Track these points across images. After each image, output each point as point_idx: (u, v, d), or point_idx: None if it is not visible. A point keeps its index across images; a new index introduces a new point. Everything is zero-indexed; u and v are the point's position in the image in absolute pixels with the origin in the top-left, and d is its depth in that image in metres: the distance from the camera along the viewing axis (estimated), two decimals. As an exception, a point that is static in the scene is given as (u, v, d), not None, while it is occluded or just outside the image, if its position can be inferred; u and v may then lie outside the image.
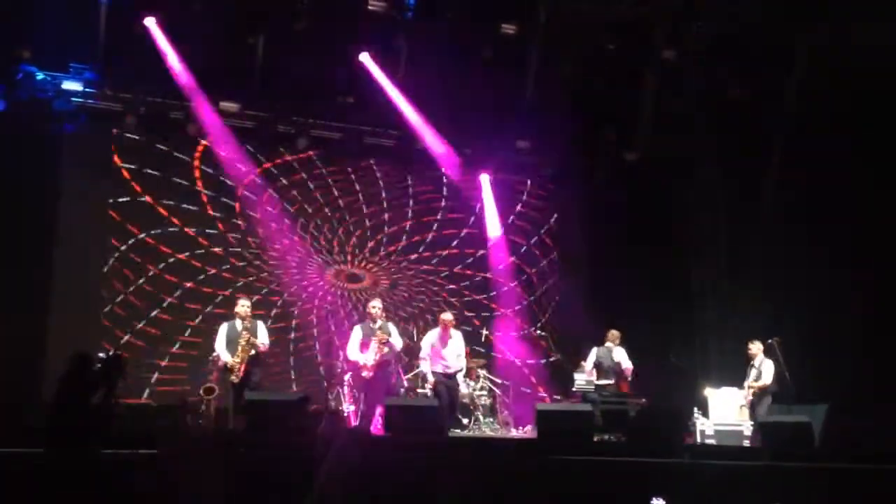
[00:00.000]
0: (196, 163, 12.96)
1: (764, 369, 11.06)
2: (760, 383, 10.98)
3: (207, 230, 12.92)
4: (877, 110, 11.58)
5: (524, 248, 14.78)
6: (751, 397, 11.03)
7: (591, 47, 12.96)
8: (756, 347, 11.18)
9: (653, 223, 13.86)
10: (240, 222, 13.11)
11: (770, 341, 10.54)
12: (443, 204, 14.46)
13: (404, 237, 14.14)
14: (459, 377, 10.95)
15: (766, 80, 12.58)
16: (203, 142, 12.78)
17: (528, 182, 14.91)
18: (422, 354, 10.55)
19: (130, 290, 12.28)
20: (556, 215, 15.03)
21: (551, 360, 14.01)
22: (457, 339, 10.64)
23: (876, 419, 10.13)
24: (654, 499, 6.78)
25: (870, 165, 11.72)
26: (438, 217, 14.39)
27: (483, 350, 13.44)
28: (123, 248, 12.37)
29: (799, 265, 12.06)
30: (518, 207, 14.86)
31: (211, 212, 12.99)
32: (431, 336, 10.61)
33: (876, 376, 11.00)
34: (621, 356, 11.60)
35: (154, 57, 11.80)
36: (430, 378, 10.40)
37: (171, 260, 12.63)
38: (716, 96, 13.12)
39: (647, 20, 12.72)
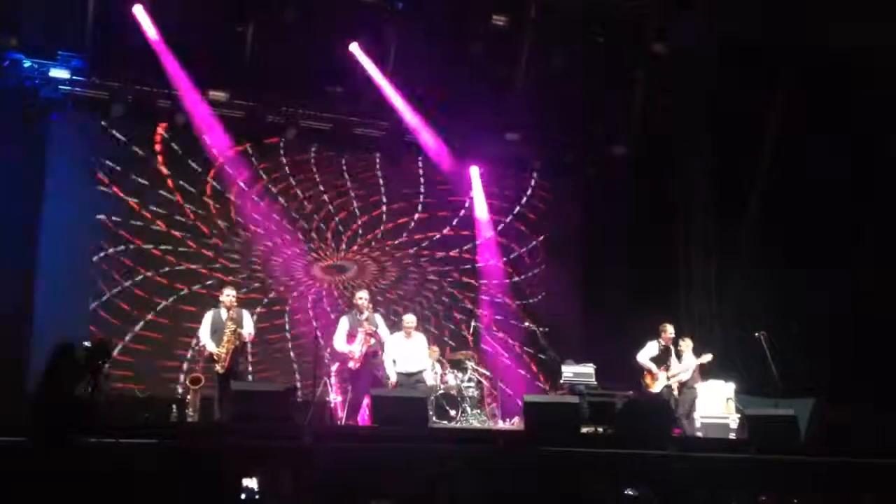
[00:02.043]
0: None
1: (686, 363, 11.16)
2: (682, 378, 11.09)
3: (199, 221, 12.93)
4: (867, 106, 11.59)
5: (513, 240, 14.80)
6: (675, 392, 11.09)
7: (582, 41, 12.95)
8: (685, 345, 11.29)
9: (642, 217, 13.87)
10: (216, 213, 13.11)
11: (757, 335, 10.55)
12: (426, 198, 14.47)
13: (399, 228, 14.16)
14: (428, 375, 11.25)
15: (757, 76, 12.59)
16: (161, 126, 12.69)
17: (517, 174, 14.91)
18: (384, 356, 10.59)
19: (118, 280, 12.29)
20: (545, 208, 15.03)
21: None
22: (417, 340, 10.89)
23: (862, 413, 10.21)
24: (627, 490, 6.80)
25: (860, 161, 11.74)
26: (423, 207, 14.42)
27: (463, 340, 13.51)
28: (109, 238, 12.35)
29: (787, 260, 12.08)
30: (507, 200, 14.86)
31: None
32: (395, 337, 10.72)
33: (863, 371, 11.02)
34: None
35: (142, 45, 11.74)
36: (393, 378, 10.48)
37: (161, 252, 12.64)
38: (706, 91, 13.13)
39: (637, 14, 12.72)
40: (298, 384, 11.95)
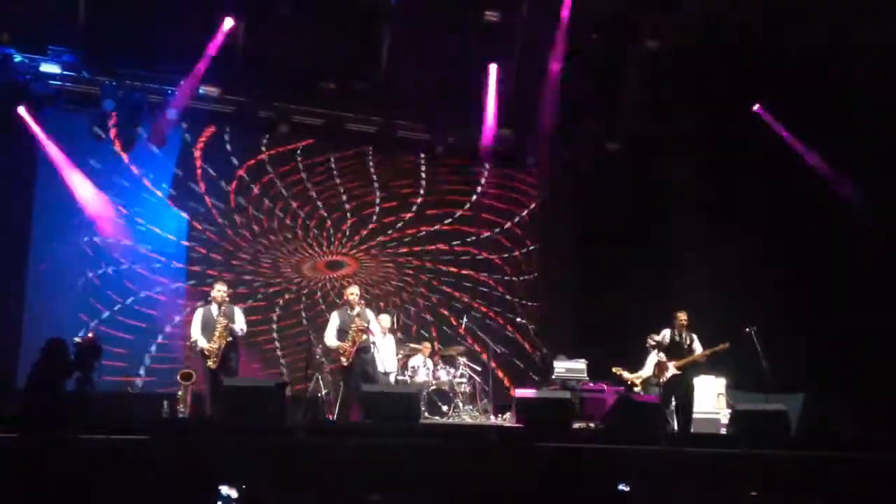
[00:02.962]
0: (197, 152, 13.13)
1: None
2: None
3: (194, 216, 12.99)
4: (857, 102, 11.60)
5: (505, 235, 14.83)
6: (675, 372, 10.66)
7: (575, 36, 12.94)
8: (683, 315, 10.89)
9: (636, 213, 13.88)
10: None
11: (748, 330, 10.55)
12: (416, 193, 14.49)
13: (390, 224, 14.17)
14: (420, 371, 11.75)
15: (749, 72, 12.60)
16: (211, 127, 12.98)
17: (511, 170, 14.93)
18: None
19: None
20: (538, 203, 15.06)
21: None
22: (388, 342, 11.13)
23: (852, 408, 10.25)
24: (621, 485, 6.82)
25: (850, 157, 11.75)
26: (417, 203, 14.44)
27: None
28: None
29: (778, 254, 12.10)
30: (501, 195, 14.90)
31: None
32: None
33: (852, 366, 11.05)
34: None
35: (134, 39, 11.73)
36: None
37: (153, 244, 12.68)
38: (700, 87, 13.14)
39: (631, 10, 12.72)
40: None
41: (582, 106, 13.87)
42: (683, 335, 10.75)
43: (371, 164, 14.15)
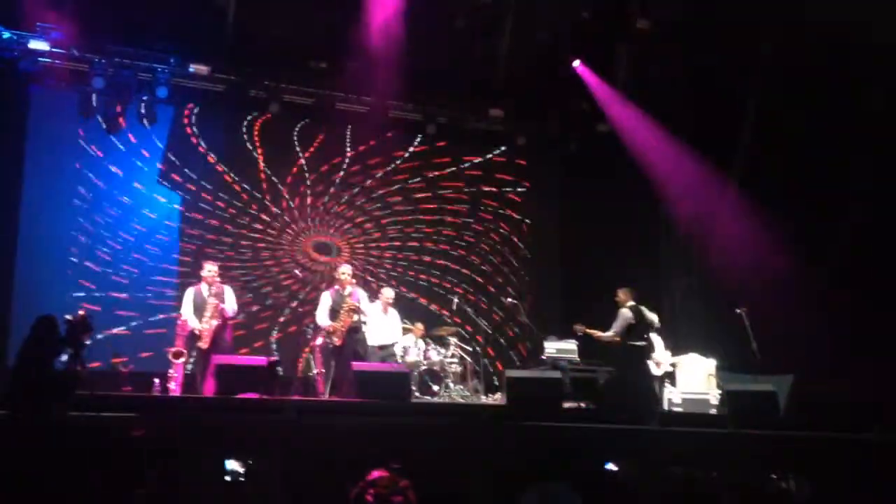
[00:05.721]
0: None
1: None
2: None
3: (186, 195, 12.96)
4: (844, 81, 11.58)
5: (494, 214, 14.83)
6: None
7: (566, 16, 12.91)
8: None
9: (623, 193, 13.86)
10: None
11: (738, 311, 10.58)
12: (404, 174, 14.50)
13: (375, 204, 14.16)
14: (412, 351, 11.73)
15: (739, 51, 12.57)
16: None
17: (501, 150, 14.91)
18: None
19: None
20: (528, 183, 15.06)
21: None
22: (392, 315, 11.23)
23: (841, 388, 10.29)
24: (608, 464, 6.85)
25: (839, 135, 11.73)
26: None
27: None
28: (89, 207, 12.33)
29: (765, 235, 12.11)
30: (488, 174, 14.89)
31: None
32: (371, 309, 10.72)
33: (841, 346, 11.08)
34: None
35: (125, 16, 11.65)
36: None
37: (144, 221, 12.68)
38: (690, 66, 13.11)
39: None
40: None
41: (572, 86, 13.83)
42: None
43: (362, 143, 14.12)
